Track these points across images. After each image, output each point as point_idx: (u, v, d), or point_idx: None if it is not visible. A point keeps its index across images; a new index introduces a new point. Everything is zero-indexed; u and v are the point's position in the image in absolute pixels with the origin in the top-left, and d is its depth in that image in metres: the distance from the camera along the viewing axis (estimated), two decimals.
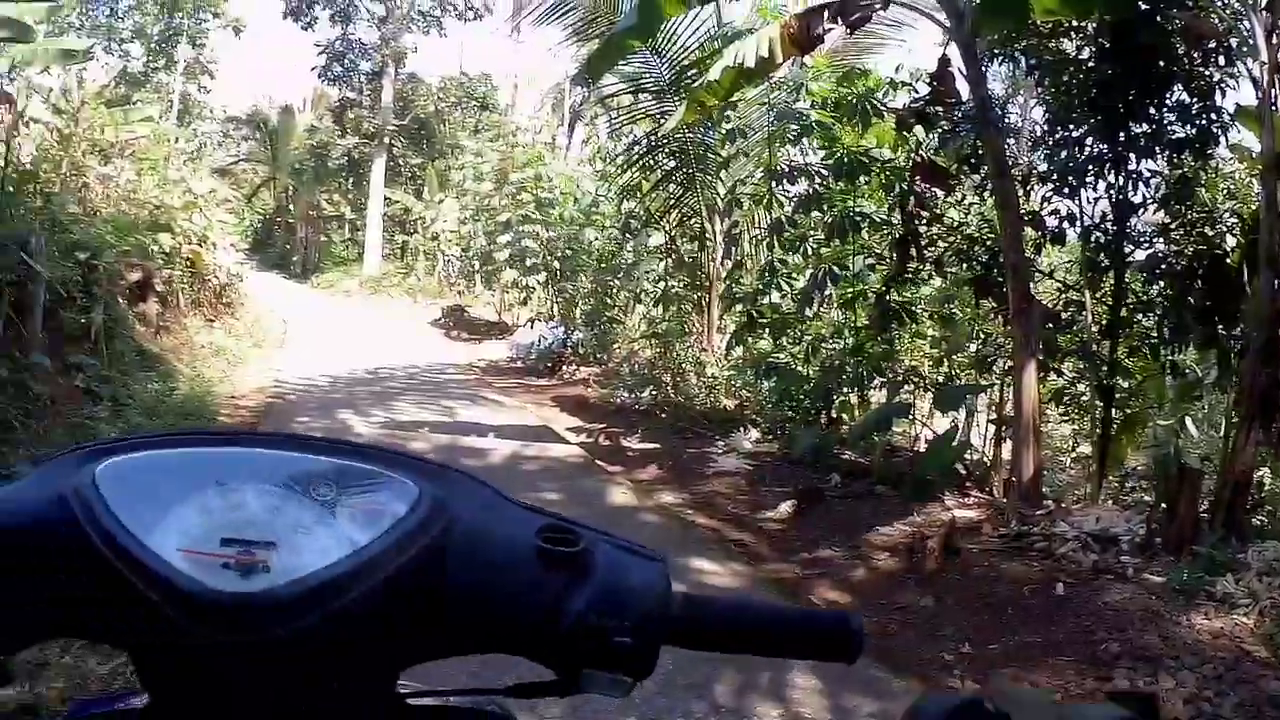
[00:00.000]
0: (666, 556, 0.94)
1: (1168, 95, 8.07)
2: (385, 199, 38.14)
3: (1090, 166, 8.38)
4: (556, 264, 20.96)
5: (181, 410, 10.84)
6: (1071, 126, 8.55)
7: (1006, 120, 10.10)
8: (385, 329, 25.55)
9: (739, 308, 12.65)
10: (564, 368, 18.25)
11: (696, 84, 10.25)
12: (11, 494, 0.91)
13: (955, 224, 9.93)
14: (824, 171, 11.11)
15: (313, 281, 39.41)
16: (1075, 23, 8.37)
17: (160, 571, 0.83)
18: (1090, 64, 8.36)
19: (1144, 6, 7.59)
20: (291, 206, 46.44)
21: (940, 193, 9.48)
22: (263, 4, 59.97)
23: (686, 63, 12.40)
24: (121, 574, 0.84)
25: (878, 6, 8.32)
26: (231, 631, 0.84)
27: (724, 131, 13.14)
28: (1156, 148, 8.15)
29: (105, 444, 0.96)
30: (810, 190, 11.28)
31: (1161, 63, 7.80)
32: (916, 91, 9.77)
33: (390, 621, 0.88)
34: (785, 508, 8.51)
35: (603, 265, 18.44)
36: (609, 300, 18.24)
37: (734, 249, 14.24)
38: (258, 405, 12.63)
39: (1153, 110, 8.08)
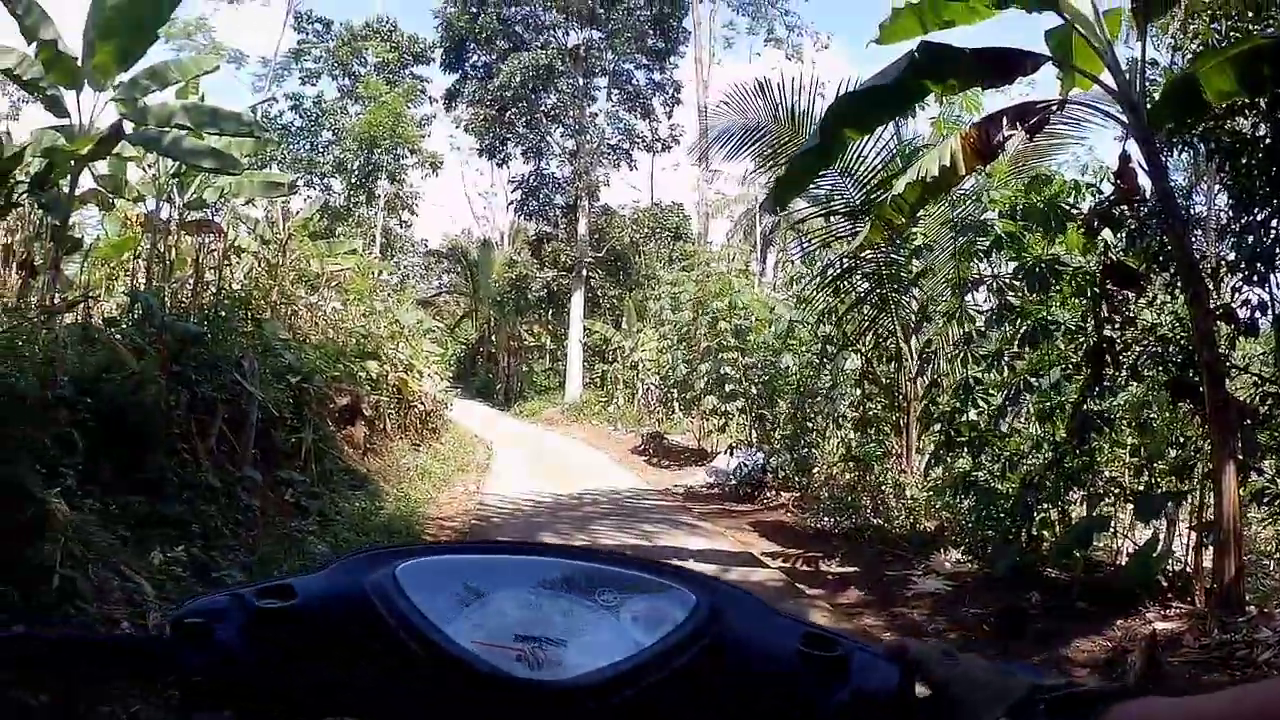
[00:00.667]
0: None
1: None
2: (584, 329, 38.96)
3: (1277, 249, 8.00)
4: (754, 390, 21.03)
5: (388, 528, 11.12)
6: (1256, 210, 8.20)
7: (1191, 211, 9.80)
8: (586, 455, 25.94)
9: (937, 427, 12.45)
10: (763, 493, 18.15)
11: (882, 201, 10.27)
12: (314, 584, 1.03)
13: (1148, 325, 9.63)
14: (1015, 283, 10.93)
15: (515, 409, 40.43)
16: (1250, 101, 8.04)
17: (459, 657, 0.95)
18: (1268, 141, 8.07)
19: None
20: (493, 337, 47.87)
21: (1132, 295, 9.24)
22: (458, 140, 61.94)
23: (874, 182, 12.37)
24: (418, 657, 0.95)
25: (1055, 108, 8.24)
26: (522, 715, 0.94)
27: (911, 248, 13.08)
28: None
29: (402, 547, 1.09)
30: (1001, 303, 11.14)
31: None
32: (1101, 192, 9.53)
33: (667, 714, 0.97)
34: (984, 627, 8.34)
35: (800, 390, 18.40)
36: (807, 425, 18.15)
37: (929, 367, 14.07)
38: (462, 526, 12.85)
39: None
